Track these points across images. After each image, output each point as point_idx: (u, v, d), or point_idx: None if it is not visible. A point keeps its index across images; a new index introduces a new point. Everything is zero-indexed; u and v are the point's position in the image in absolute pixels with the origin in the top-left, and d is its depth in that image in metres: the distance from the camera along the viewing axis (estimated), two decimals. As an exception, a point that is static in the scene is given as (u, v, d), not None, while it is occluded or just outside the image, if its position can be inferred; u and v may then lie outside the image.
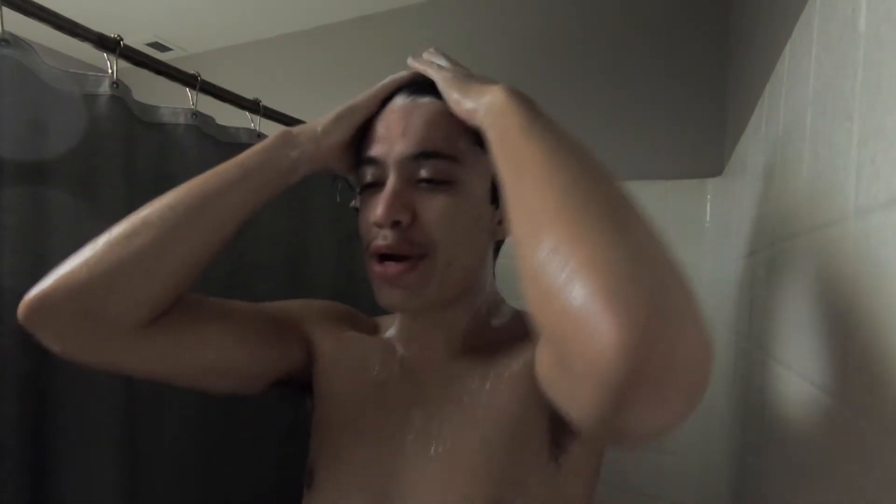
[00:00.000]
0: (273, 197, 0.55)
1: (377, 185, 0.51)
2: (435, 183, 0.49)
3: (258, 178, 0.53)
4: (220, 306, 0.56)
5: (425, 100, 0.52)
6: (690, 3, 1.30)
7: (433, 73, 0.54)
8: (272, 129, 1.03)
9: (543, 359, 0.34)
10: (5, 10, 0.63)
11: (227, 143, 0.95)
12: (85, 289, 0.45)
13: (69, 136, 0.70)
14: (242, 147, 0.96)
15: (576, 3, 1.44)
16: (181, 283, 0.50)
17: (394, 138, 0.50)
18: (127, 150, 0.77)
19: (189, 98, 0.88)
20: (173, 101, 0.87)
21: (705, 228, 1.26)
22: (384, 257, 0.50)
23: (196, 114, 0.87)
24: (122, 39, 0.75)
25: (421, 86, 0.54)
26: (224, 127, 0.95)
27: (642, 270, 0.26)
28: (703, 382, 0.26)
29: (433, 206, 0.49)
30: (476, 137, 0.50)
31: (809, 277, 0.42)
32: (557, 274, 0.28)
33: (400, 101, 0.53)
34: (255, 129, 1.00)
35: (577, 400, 0.28)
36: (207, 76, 0.90)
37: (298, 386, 0.62)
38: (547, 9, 1.48)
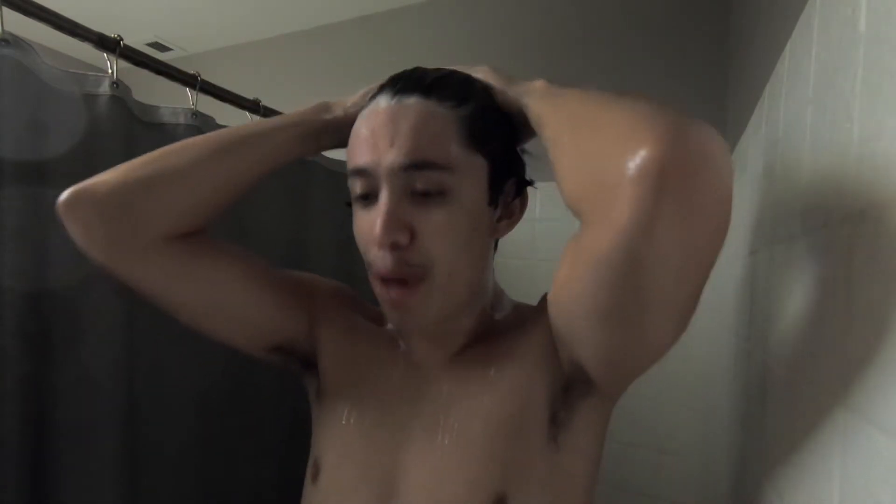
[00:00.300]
0: (302, 155, 0.60)
1: (369, 196, 0.50)
2: (430, 195, 0.48)
3: (293, 131, 0.58)
4: (242, 249, 0.60)
5: (411, 100, 0.49)
6: (690, 3, 1.30)
7: (471, 70, 0.56)
8: (272, 129, 1.04)
9: (560, 268, 0.42)
10: (5, 10, 0.63)
11: (227, 143, 0.95)
12: (127, 186, 0.51)
13: (69, 136, 0.70)
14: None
15: (576, 3, 1.44)
16: (212, 205, 0.54)
17: (382, 147, 0.48)
18: (127, 150, 0.77)
19: (189, 98, 0.88)
20: (173, 101, 0.87)
21: (705, 228, 1.25)
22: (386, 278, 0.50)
23: (196, 114, 0.87)
24: (122, 39, 0.75)
25: (407, 83, 0.51)
26: (224, 127, 0.95)
27: (672, 112, 0.33)
28: (727, 188, 0.31)
29: (431, 222, 0.48)
30: (468, 140, 0.49)
31: (809, 278, 0.42)
32: (603, 139, 0.34)
33: (384, 102, 0.50)
34: (255, 129, 1.00)
35: (614, 213, 0.32)
36: (207, 76, 0.90)
37: (300, 360, 0.62)
38: (547, 9, 1.48)
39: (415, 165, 0.47)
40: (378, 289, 0.51)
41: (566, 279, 0.42)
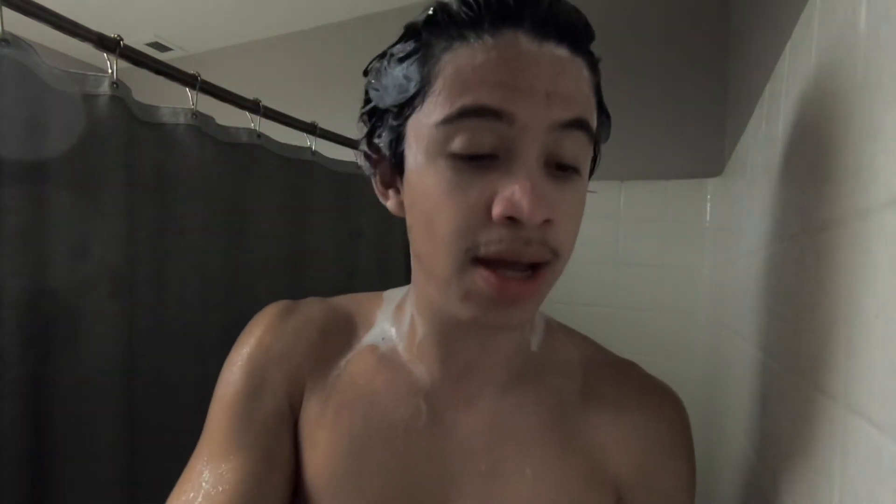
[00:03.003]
0: None
1: (482, 157, 0.36)
2: (566, 170, 0.38)
3: None
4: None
5: (561, 52, 0.38)
6: (690, 4, 1.30)
7: None
8: (272, 129, 1.04)
9: None
10: (5, 10, 0.63)
11: (227, 143, 0.95)
12: None
13: (69, 136, 0.70)
14: (242, 147, 0.97)
15: (576, 4, 1.44)
16: None
17: (536, 97, 0.36)
18: (127, 150, 0.77)
19: (189, 98, 0.88)
20: (173, 101, 0.87)
21: (705, 228, 1.26)
22: (494, 264, 0.37)
23: (196, 114, 0.87)
24: (122, 39, 0.75)
25: (552, 26, 0.38)
26: (224, 127, 0.95)
27: None
28: None
29: (566, 203, 0.38)
30: (598, 113, 0.43)
31: (810, 277, 0.42)
32: None
33: (525, 42, 0.37)
34: (255, 129, 1.00)
35: None
36: (207, 76, 0.90)
37: None
38: (547, 9, 1.48)
39: (576, 123, 0.38)
40: (481, 278, 0.37)
41: None
